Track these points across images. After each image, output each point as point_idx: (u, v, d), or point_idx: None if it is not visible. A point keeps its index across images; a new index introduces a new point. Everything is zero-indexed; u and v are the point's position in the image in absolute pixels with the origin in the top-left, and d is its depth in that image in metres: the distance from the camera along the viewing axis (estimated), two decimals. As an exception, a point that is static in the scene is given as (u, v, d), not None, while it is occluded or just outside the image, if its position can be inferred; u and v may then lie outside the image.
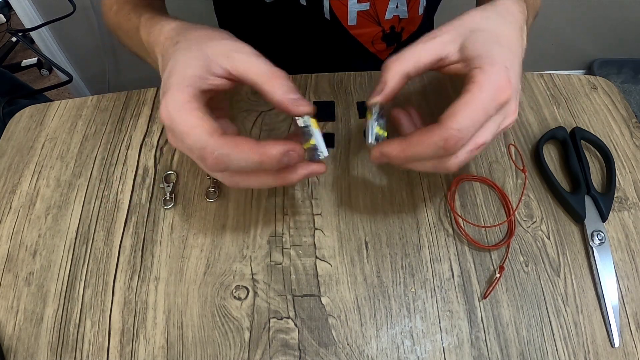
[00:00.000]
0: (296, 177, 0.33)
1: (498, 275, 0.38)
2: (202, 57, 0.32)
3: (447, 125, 0.29)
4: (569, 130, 0.48)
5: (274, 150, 0.29)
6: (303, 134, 0.34)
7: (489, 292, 0.38)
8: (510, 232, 0.41)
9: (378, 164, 0.34)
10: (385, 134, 0.35)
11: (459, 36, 0.33)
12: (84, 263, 0.40)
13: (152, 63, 0.40)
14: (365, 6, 0.56)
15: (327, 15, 0.56)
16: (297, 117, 0.33)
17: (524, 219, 0.42)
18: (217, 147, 0.29)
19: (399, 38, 0.61)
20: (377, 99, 0.34)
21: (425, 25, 0.66)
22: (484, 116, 0.29)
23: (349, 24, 0.57)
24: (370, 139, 0.35)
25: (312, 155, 0.34)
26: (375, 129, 0.35)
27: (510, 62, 0.31)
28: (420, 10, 0.59)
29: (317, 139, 0.33)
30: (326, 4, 0.55)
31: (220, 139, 0.29)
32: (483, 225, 0.42)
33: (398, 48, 0.63)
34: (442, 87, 0.51)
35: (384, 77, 0.33)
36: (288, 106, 0.31)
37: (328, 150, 0.34)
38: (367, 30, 0.59)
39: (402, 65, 0.33)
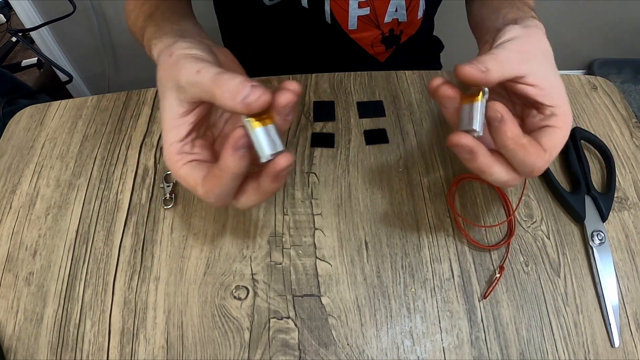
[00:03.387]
0: (273, 186, 0.30)
1: (498, 275, 0.38)
2: (169, 104, 0.32)
3: (545, 156, 0.31)
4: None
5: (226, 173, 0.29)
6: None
7: (489, 292, 0.38)
8: (510, 232, 0.41)
9: (456, 149, 0.32)
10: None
11: (536, 62, 0.33)
12: (84, 263, 0.40)
13: None
14: (366, 11, 0.56)
15: (328, 19, 0.56)
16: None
17: (524, 219, 0.42)
18: (203, 191, 0.31)
19: (398, 40, 0.62)
20: (485, 75, 0.30)
21: (425, 28, 0.66)
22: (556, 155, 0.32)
23: (349, 28, 0.57)
24: (477, 125, 0.30)
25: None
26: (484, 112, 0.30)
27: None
28: (420, 14, 0.59)
29: (257, 138, 0.28)
30: (327, 8, 0.55)
31: (204, 186, 0.30)
32: (483, 225, 0.42)
33: (397, 50, 0.63)
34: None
35: (486, 65, 0.30)
36: (242, 110, 0.28)
37: (276, 148, 0.28)
38: (367, 34, 0.59)
39: (505, 70, 0.31)
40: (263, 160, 0.28)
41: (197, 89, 0.30)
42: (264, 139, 0.28)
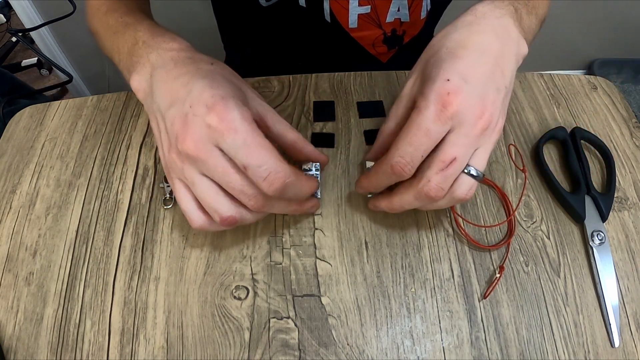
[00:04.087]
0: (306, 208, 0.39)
1: (498, 275, 0.38)
2: (238, 89, 0.33)
3: (390, 153, 0.32)
4: (569, 130, 0.48)
5: (314, 183, 0.35)
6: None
7: (489, 292, 0.38)
8: (510, 232, 0.41)
9: (377, 211, 0.40)
10: None
11: (419, 73, 0.34)
12: (84, 263, 0.40)
13: (127, 61, 0.39)
14: (366, 9, 0.56)
15: (328, 18, 0.56)
16: (306, 166, 0.41)
17: (524, 219, 0.42)
18: (289, 174, 0.30)
19: (401, 41, 0.61)
20: (366, 158, 0.40)
21: (429, 28, 0.65)
22: (426, 136, 0.30)
23: (349, 26, 0.57)
24: (318, 194, 0.41)
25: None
26: None
27: (461, 69, 0.30)
28: (423, 15, 0.59)
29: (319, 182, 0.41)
30: (326, 6, 0.55)
31: (291, 167, 0.31)
32: (483, 225, 0.42)
33: (400, 51, 0.63)
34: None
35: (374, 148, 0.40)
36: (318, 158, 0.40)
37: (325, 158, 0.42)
38: (368, 33, 0.59)
39: (384, 126, 0.37)
40: (318, 196, 0.41)
41: (283, 128, 0.37)
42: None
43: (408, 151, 0.30)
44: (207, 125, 0.29)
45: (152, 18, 0.45)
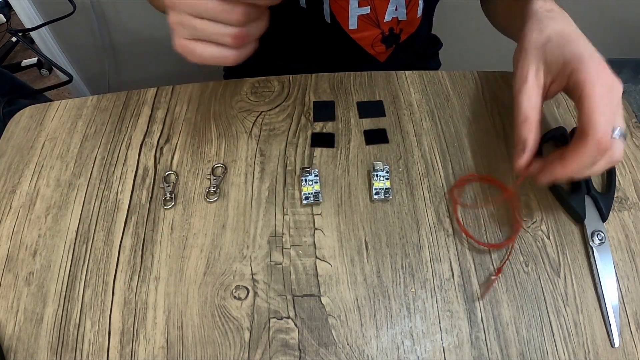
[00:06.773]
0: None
1: (494, 277, 0.38)
2: None
3: (593, 135, 0.33)
4: (569, 130, 0.47)
5: None
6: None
7: (483, 293, 0.38)
8: (513, 232, 0.41)
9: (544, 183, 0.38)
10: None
11: (539, 62, 0.37)
12: (84, 263, 0.40)
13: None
14: (366, 10, 0.56)
15: (328, 19, 0.56)
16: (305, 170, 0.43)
17: (524, 219, 0.42)
18: None
19: (398, 39, 0.62)
20: (522, 161, 0.38)
21: (424, 26, 0.66)
22: (610, 108, 0.33)
23: (349, 27, 0.57)
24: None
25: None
26: None
27: (586, 47, 0.35)
28: (419, 13, 0.59)
29: None
30: (327, 7, 0.55)
31: None
32: (483, 224, 0.41)
33: (397, 49, 0.63)
34: (442, 88, 0.52)
35: (523, 139, 0.37)
36: None
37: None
38: (367, 34, 0.59)
39: (532, 127, 0.37)
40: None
41: None
42: None
43: (604, 124, 0.33)
44: None
45: None
